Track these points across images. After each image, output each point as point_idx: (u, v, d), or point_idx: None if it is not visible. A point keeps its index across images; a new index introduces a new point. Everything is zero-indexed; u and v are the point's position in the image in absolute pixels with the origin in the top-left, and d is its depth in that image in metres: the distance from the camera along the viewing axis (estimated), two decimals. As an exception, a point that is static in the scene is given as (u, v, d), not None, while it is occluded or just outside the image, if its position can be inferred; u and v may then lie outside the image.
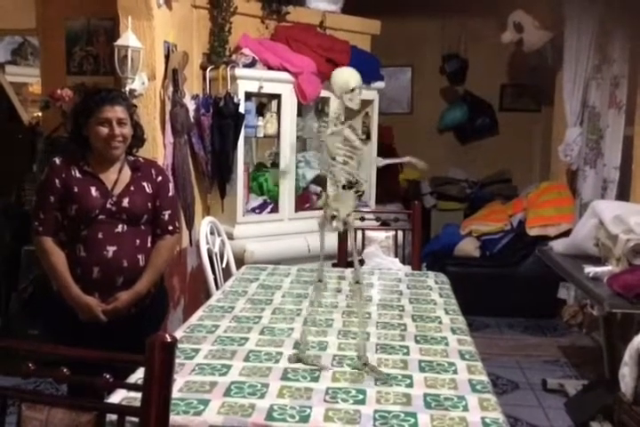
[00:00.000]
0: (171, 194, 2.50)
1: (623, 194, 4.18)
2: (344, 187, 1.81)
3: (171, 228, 2.46)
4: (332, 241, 3.10)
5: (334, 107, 1.92)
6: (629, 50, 4.24)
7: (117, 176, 2.36)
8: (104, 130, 2.29)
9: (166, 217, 2.44)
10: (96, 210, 2.28)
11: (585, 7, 4.47)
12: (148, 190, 2.40)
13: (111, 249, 2.29)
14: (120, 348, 1.33)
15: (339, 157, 1.82)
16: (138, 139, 2.44)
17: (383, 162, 3.39)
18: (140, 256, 2.36)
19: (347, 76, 1.87)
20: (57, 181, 2.30)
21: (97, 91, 2.40)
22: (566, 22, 4.62)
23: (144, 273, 2.35)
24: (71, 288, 2.27)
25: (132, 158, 2.43)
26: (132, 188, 2.37)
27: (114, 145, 2.31)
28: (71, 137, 2.42)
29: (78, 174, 2.32)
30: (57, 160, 2.35)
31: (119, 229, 2.32)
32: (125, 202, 2.33)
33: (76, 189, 2.29)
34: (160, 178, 2.46)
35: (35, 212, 2.34)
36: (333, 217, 1.84)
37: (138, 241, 2.36)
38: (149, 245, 2.41)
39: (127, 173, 2.39)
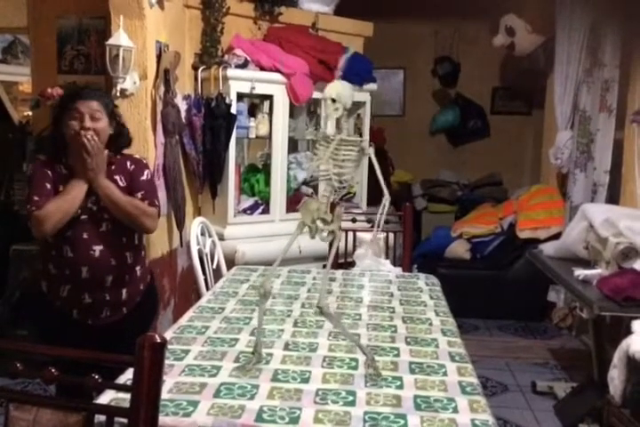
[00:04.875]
0: (144, 178, 2.39)
1: (613, 197, 4.20)
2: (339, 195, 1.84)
3: (147, 202, 2.36)
4: (323, 242, 3.09)
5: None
6: (620, 54, 4.26)
7: None
8: (75, 124, 2.26)
9: (139, 196, 2.35)
10: (78, 210, 2.26)
11: (576, 11, 4.49)
12: (120, 184, 2.35)
13: (97, 248, 2.28)
14: (110, 348, 1.32)
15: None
16: (124, 137, 2.41)
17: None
18: (127, 254, 2.35)
19: (334, 86, 1.86)
20: (49, 172, 2.29)
21: (75, 88, 2.39)
22: (557, 26, 4.64)
23: None
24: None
25: (110, 154, 2.37)
26: None
27: (82, 139, 2.23)
28: (52, 136, 2.38)
29: (62, 173, 2.30)
30: (42, 157, 2.35)
31: (103, 228, 2.30)
32: None
33: (61, 189, 2.27)
34: (133, 166, 2.40)
35: (28, 197, 2.26)
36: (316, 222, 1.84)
37: (124, 239, 2.35)
38: (137, 242, 2.40)
39: None
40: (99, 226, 2.30)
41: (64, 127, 2.28)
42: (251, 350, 1.94)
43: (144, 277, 2.47)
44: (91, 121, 2.25)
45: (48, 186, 2.27)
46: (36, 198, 2.24)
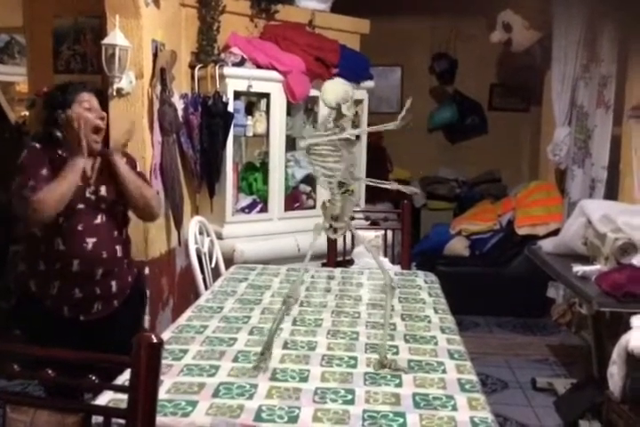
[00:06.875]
0: (139, 170, 2.53)
1: (611, 193, 4.20)
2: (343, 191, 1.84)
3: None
4: (321, 241, 3.08)
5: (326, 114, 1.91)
6: (617, 50, 4.26)
7: (92, 164, 2.34)
8: (88, 114, 2.28)
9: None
10: (77, 199, 2.26)
11: (573, 7, 4.48)
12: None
13: (91, 241, 2.27)
14: (104, 343, 1.32)
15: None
16: None
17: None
18: (117, 247, 2.36)
19: (345, 87, 1.87)
20: (44, 158, 2.26)
21: (67, 84, 2.39)
22: (555, 22, 4.63)
23: None
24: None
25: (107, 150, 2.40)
26: (105, 175, 2.36)
27: (100, 127, 2.30)
28: (47, 131, 2.35)
29: (58, 162, 2.27)
30: (37, 145, 2.31)
31: (98, 220, 2.31)
32: (103, 190, 2.33)
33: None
34: (125, 159, 2.46)
35: (23, 183, 2.19)
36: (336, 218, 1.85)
37: (115, 232, 2.37)
38: (124, 236, 2.43)
39: (97, 160, 2.37)
40: (94, 218, 2.30)
41: (68, 118, 2.27)
42: (249, 349, 1.94)
43: (131, 270, 2.49)
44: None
45: (44, 171, 2.22)
46: (31, 183, 2.19)
